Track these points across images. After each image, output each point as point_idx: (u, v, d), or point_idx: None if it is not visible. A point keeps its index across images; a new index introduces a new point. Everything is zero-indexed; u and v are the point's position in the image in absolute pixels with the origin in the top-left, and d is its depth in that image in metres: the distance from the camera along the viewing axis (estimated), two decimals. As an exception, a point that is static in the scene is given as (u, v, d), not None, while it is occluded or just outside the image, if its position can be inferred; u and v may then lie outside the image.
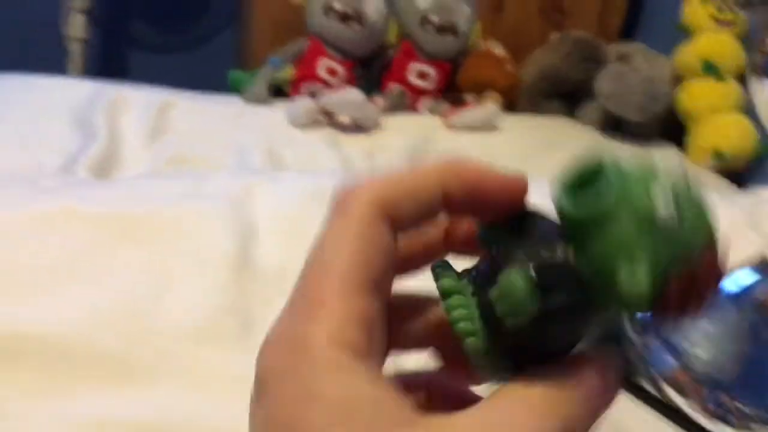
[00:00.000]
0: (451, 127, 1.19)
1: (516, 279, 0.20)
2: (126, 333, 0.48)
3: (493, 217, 0.22)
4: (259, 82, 1.22)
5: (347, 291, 0.20)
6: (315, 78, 1.22)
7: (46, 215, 0.57)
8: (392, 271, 0.22)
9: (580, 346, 0.21)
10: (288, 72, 1.24)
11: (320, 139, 1.11)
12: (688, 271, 0.19)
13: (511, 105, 1.33)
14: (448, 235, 0.23)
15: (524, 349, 0.21)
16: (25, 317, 0.48)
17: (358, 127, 1.14)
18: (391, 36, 1.30)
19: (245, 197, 0.63)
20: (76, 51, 1.66)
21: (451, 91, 1.30)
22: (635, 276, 0.19)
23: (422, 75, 1.27)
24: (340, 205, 0.21)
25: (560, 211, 0.21)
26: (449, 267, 0.22)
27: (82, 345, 0.47)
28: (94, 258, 0.54)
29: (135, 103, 1.08)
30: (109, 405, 0.45)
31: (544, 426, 0.19)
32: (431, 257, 0.23)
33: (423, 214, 0.22)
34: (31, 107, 1.02)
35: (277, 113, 1.17)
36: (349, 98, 1.11)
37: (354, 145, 1.11)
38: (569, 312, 0.20)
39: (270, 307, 0.51)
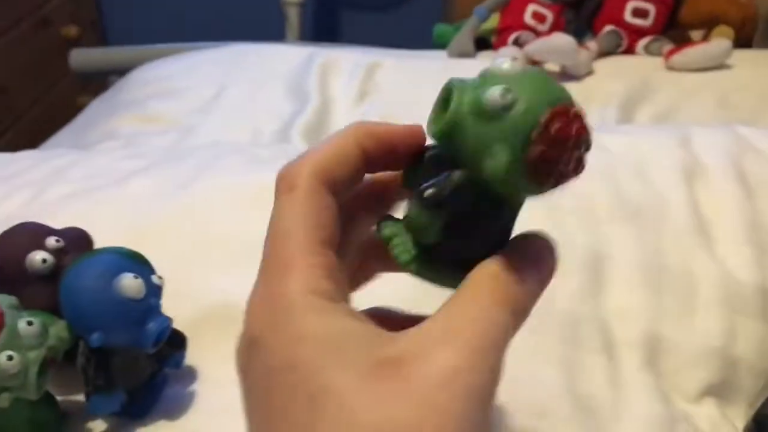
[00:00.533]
0: (673, 68, 1.08)
1: (413, 208, 0.25)
2: None
3: (405, 164, 0.27)
4: (464, 34, 1.19)
5: (309, 250, 0.24)
6: (522, 26, 1.16)
7: (262, 188, 0.60)
8: (338, 229, 0.25)
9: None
10: (493, 21, 1.20)
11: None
12: (541, 136, 0.22)
13: (745, 41, 1.18)
14: (374, 190, 0.28)
15: (456, 255, 0.25)
16: (238, 288, 0.50)
17: (568, 75, 1.07)
18: (605, -27, 1.20)
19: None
20: (293, 15, 1.74)
21: (674, 28, 1.18)
22: (494, 159, 0.22)
23: (640, 12, 1.16)
24: (286, 180, 0.25)
25: (431, 136, 0.25)
26: (389, 217, 0.27)
27: None
28: None
29: (344, 66, 1.10)
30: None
31: (501, 312, 0.23)
32: (368, 212, 0.28)
33: (353, 175, 0.26)
34: (249, 75, 1.08)
35: (482, 66, 1.13)
36: (557, 44, 1.05)
37: (564, 94, 1.04)
38: (472, 216, 0.25)
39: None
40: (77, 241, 0.43)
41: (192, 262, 0.52)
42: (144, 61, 1.23)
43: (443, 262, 0.26)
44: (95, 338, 0.36)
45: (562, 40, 1.04)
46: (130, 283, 0.37)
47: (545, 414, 0.41)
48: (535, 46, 1.05)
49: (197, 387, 0.43)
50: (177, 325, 0.41)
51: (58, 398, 0.40)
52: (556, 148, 0.23)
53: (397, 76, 1.09)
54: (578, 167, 0.23)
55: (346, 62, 1.11)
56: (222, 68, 1.11)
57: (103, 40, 2.06)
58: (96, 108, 1.13)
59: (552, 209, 0.55)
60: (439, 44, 1.25)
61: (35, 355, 0.35)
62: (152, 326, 0.38)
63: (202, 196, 0.59)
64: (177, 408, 0.41)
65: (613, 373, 0.46)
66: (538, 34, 1.14)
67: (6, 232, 0.42)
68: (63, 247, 0.41)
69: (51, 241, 0.41)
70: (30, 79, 1.66)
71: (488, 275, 0.24)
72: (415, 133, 0.27)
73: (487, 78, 0.24)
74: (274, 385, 0.22)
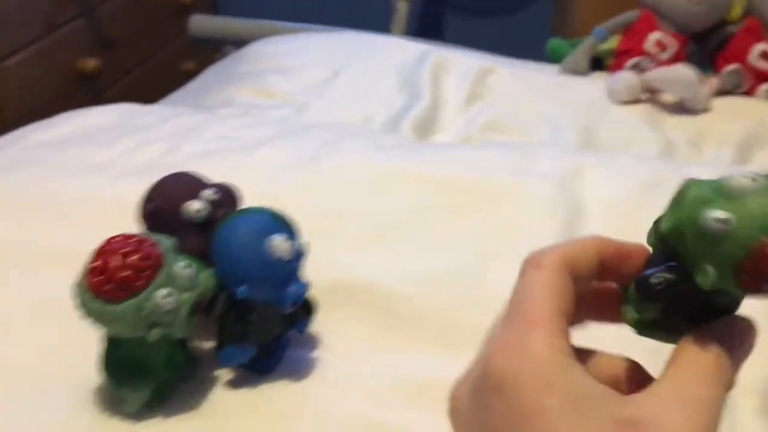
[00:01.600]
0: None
1: (633, 293, 0.29)
2: (450, 299, 0.50)
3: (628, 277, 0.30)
4: (580, 52, 1.17)
5: (554, 315, 0.27)
6: (642, 52, 1.14)
7: (385, 173, 0.61)
8: (573, 308, 0.28)
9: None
10: (613, 43, 1.18)
11: (640, 118, 1.04)
12: (750, 264, 0.25)
13: None
14: (596, 296, 0.31)
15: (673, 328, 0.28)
16: (360, 268, 0.51)
17: (683, 108, 1.05)
18: (735, 12, 1.17)
19: (575, 178, 0.61)
20: (402, 10, 1.75)
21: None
22: (704, 276, 0.25)
23: (767, 56, 1.12)
24: (535, 259, 0.29)
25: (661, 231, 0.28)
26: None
27: (408, 303, 0.49)
28: (425, 220, 0.56)
29: (457, 67, 1.11)
30: (430, 366, 0.46)
31: (720, 389, 0.26)
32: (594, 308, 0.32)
33: (591, 272, 0.30)
34: (363, 64, 1.10)
35: (595, 86, 1.12)
36: (680, 75, 1.03)
37: (677, 127, 1.02)
38: (686, 305, 0.28)
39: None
40: (229, 195, 0.45)
41: (319, 236, 0.53)
42: (258, 35, 1.26)
43: (662, 330, 0.29)
44: (242, 290, 0.38)
45: (685, 71, 1.02)
46: (281, 244, 0.39)
47: None
48: (656, 75, 1.04)
49: (318, 354, 0.45)
50: (309, 283, 0.42)
51: (193, 345, 0.42)
52: (763, 276, 0.25)
53: (510, 84, 1.09)
54: None
55: (459, 64, 1.12)
56: (337, 53, 1.13)
57: (214, 8, 2.11)
58: (212, 75, 1.17)
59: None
60: (553, 58, 1.24)
61: (188, 297, 0.37)
62: (293, 288, 0.39)
63: (329, 173, 0.60)
64: (297, 371, 0.43)
65: (727, 416, 0.45)
66: (658, 62, 1.12)
67: (166, 179, 0.44)
68: (218, 199, 0.43)
69: (207, 193, 0.43)
70: (142, 38, 1.71)
71: (710, 354, 0.27)
72: (640, 252, 0.30)
73: (721, 189, 0.26)
74: (520, 427, 0.25)
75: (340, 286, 0.49)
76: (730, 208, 0.25)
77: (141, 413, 0.38)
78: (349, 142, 0.68)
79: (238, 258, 0.38)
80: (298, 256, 0.40)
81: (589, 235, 0.30)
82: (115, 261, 0.35)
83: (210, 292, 0.39)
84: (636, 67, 1.11)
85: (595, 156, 0.67)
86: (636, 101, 1.07)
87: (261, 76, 1.06)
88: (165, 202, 0.43)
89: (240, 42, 1.27)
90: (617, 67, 1.16)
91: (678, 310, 0.28)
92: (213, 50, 1.65)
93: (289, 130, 0.70)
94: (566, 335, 0.27)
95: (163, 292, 0.35)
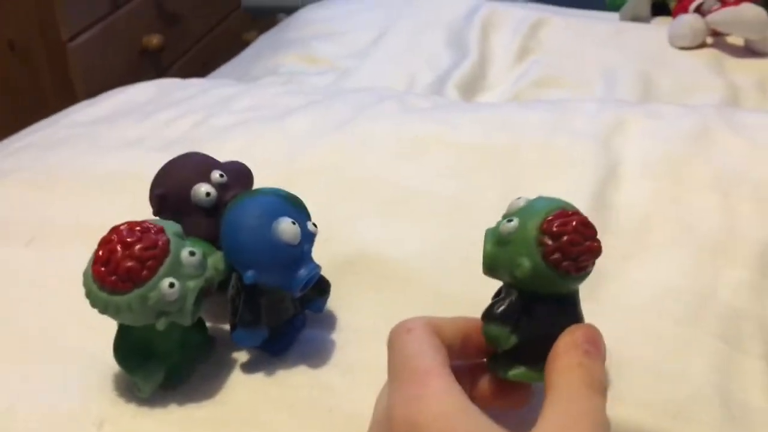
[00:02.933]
0: None
1: (487, 327, 0.34)
2: (475, 274, 0.47)
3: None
4: (641, -2, 1.11)
5: (441, 364, 0.30)
6: (707, -8, 1.07)
7: (417, 139, 0.59)
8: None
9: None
10: (675, -14, 1.11)
11: (704, 63, 0.98)
12: (546, 237, 0.32)
13: None
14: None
15: (533, 351, 0.33)
16: (381, 239, 0.50)
17: (750, 51, 0.98)
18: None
19: (615, 134, 0.58)
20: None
21: None
22: (520, 268, 0.32)
23: None
24: (403, 326, 0.32)
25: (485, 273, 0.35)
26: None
27: (430, 278, 0.46)
28: (453, 187, 0.54)
29: (508, 20, 1.07)
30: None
31: (597, 397, 0.29)
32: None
33: (455, 342, 0.33)
34: (411, 21, 1.07)
35: (656, 32, 1.06)
36: (746, 15, 0.96)
37: (744, 72, 0.95)
38: (536, 317, 0.33)
39: (628, 264, 0.47)
40: (239, 176, 0.44)
41: (340, 206, 0.52)
42: (310, 1, 1.25)
43: (530, 364, 0.33)
44: (249, 275, 0.37)
45: (753, 11, 0.95)
46: (287, 228, 0.37)
47: (682, 415, 0.38)
48: (721, 16, 0.97)
49: (334, 335, 0.43)
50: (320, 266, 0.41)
51: (207, 324, 0.42)
52: (562, 242, 0.31)
53: (564, 35, 1.04)
54: (594, 252, 0.32)
55: (510, 17, 1.08)
56: (384, 13, 1.11)
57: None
58: (262, 44, 1.17)
59: (726, 195, 0.51)
60: (612, 6, 1.18)
61: (194, 285, 0.36)
62: (303, 272, 0.38)
63: (356, 139, 0.59)
64: (312, 354, 0.42)
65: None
66: (723, 3, 1.04)
67: (174, 162, 0.44)
68: (226, 182, 0.42)
69: (215, 175, 0.42)
70: (203, 11, 1.73)
71: (574, 365, 0.30)
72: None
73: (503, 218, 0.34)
74: None
75: (360, 259, 0.47)
76: (515, 217, 0.33)
77: (155, 397, 0.38)
78: (381, 106, 0.66)
79: (244, 242, 0.37)
80: (308, 238, 0.39)
81: (454, 317, 0.34)
82: (118, 251, 0.34)
83: (221, 276, 0.38)
84: (700, 9, 1.04)
85: (639, 108, 0.63)
86: (700, 46, 1.00)
87: (306, 43, 1.05)
88: (173, 187, 0.42)
89: (292, 9, 1.27)
90: (681, 10, 1.09)
91: (530, 328, 0.33)
92: (270, 19, 1.66)
93: (322, 97, 0.70)
94: (455, 380, 0.29)
95: (167, 281, 0.35)
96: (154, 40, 1.50)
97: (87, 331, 0.40)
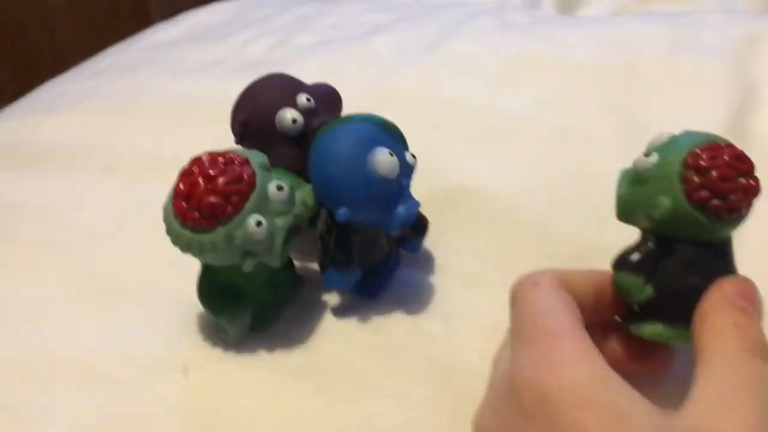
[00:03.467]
0: None
1: (619, 275, 0.29)
2: (582, 213, 0.42)
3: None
4: None
5: (574, 323, 0.26)
6: None
7: (513, 59, 0.53)
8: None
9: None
10: None
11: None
12: (691, 173, 0.27)
13: None
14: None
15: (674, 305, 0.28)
16: (481, 170, 0.45)
17: None
18: None
19: (749, 50, 0.50)
20: None
21: None
22: (659, 209, 0.28)
23: None
24: (529, 279, 0.28)
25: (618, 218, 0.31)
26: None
27: (530, 215, 0.42)
28: (559, 115, 0.48)
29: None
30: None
31: (757, 363, 0.24)
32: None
33: (586, 299, 0.28)
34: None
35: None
36: None
37: None
38: (676, 268, 0.28)
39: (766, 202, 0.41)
40: (328, 100, 0.39)
41: (435, 134, 0.47)
42: None
43: (667, 320, 0.29)
44: (341, 213, 0.33)
45: None
46: (385, 159, 0.33)
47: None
48: None
49: (431, 278, 0.39)
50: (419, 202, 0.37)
51: (295, 263, 0.38)
52: (710, 177, 0.27)
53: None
54: (749, 191, 0.27)
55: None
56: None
57: None
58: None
59: None
60: None
61: (282, 222, 0.32)
62: (401, 210, 0.34)
63: (451, 60, 0.54)
64: (407, 298, 0.38)
65: None
66: None
67: (257, 84, 0.39)
68: (314, 107, 0.38)
69: (302, 99, 0.38)
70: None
71: (728, 325, 0.26)
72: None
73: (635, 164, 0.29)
74: None
75: (459, 193, 0.43)
76: (655, 152, 0.28)
77: (242, 342, 0.35)
78: (475, 23, 0.60)
79: (336, 176, 0.33)
80: (407, 171, 0.34)
81: (586, 269, 0.30)
82: (201, 185, 0.31)
83: (310, 212, 0.35)
84: None
85: (773, 20, 0.55)
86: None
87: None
88: (256, 112, 0.38)
89: None
90: None
91: (669, 279, 0.28)
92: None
93: (409, 13, 0.64)
94: (592, 343, 0.25)
95: (255, 219, 0.31)
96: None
97: (169, 269, 0.37)
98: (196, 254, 0.32)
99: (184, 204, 0.31)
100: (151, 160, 0.48)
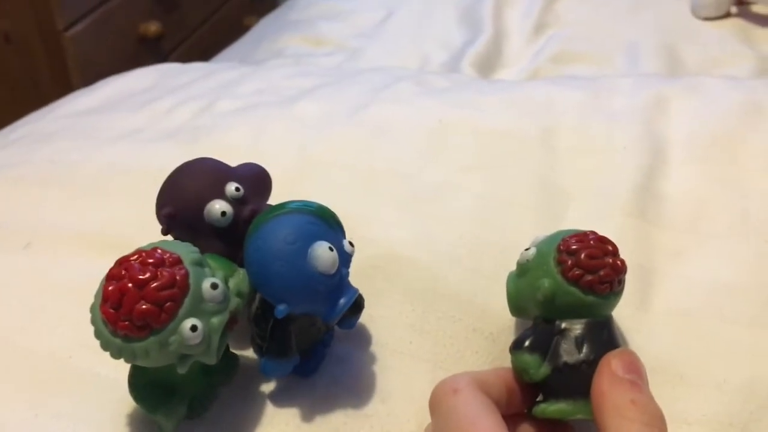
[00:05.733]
0: None
1: (515, 359, 0.32)
2: (480, 274, 0.42)
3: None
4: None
5: (497, 426, 0.27)
6: (732, -41, 1.01)
7: (434, 124, 0.54)
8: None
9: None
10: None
11: (730, 34, 0.93)
12: (565, 254, 0.32)
13: None
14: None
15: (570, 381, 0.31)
16: (406, 236, 0.45)
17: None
18: None
19: (657, 114, 0.53)
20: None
21: None
22: (541, 290, 0.32)
23: None
24: (448, 385, 0.29)
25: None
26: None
27: (454, 284, 0.42)
28: (478, 181, 0.49)
29: (522, -5, 1.02)
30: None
31: None
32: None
33: (501, 399, 0.30)
34: (421, 1, 1.03)
35: (678, 4, 1.01)
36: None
37: (773, 42, 0.91)
38: (567, 344, 0.31)
39: (681, 261, 0.41)
40: (257, 184, 0.38)
41: (359, 203, 0.47)
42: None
43: (566, 395, 0.30)
44: (281, 310, 0.32)
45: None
46: (324, 255, 0.32)
47: (751, 430, 0.34)
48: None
49: (367, 351, 0.39)
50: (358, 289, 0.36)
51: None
52: (580, 257, 0.31)
53: (582, 7, 1.00)
54: (616, 269, 0.31)
55: (525, -9, 1.03)
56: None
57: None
58: (265, 26, 1.12)
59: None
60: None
61: (218, 321, 0.31)
62: (343, 302, 0.33)
63: (372, 126, 0.55)
64: (346, 373, 0.38)
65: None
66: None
67: (181, 173, 0.38)
68: (243, 195, 0.37)
69: (231, 189, 0.37)
70: (202, -4, 1.69)
71: (626, 403, 0.27)
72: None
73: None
74: None
75: (386, 264, 0.42)
76: (533, 246, 0.34)
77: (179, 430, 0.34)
78: (396, 88, 0.61)
79: (274, 274, 0.32)
80: (346, 260, 0.34)
81: (495, 368, 0.33)
82: (131, 292, 0.29)
83: (246, 299, 0.33)
84: (725, -23, 0.99)
85: (679, 82, 0.58)
86: (725, 16, 0.95)
87: (311, 23, 1.00)
88: (183, 205, 0.36)
89: (294, -11, 1.22)
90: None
91: (562, 355, 0.30)
92: (270, 2, 1.60)
93: (333, 78, 0.65)
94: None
95: (190, 323, 0.30)
96: (152, 27, 1.46)
97: (98, 354, 0.35)
98: (128, 361, 0.30)
99: (113, 311, 0.29)
100: (73, 235, 0.46)
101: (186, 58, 1.56)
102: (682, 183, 0.47)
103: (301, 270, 0.32)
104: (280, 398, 0.36)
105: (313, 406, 0.36)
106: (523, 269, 0.33)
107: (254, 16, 1.78)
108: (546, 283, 0.31)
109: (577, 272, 0.31)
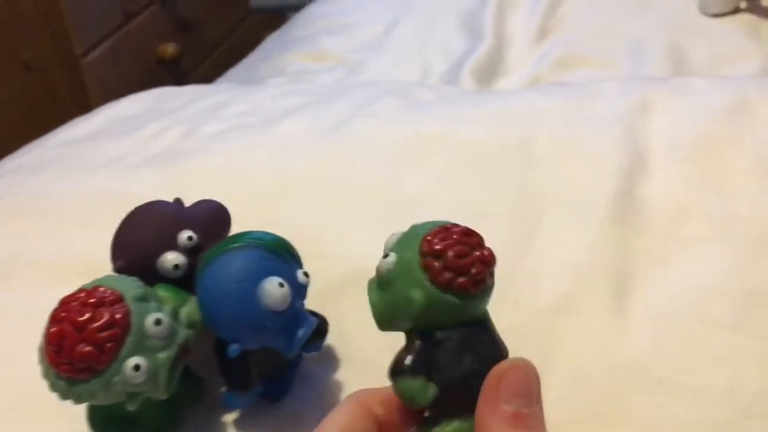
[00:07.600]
0: None
1: (399, 387, 0.28)
2: None
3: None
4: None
5: None
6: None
7: (419, 138, 0.54)
8: None
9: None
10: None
11: (738, 30, 0.91)
12: (430, 257, 0.27)
13: None
14: None
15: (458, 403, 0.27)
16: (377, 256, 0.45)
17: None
18: None
19: (640, 117, 0.51)
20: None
21: None
22: (414, 301, 0.27)
23: None
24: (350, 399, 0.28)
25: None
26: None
27: None
28: (458, 193, 0.48)
29: (524, 0, 1.01)
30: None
31: None
32: None
33: (393, 413, 0.28)
34: (423, 8, 1.02)
35: (684, 1, 0.99)
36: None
37: (785, 36, 0.88)
38: (450, 360, 0.28)
39: (662, 266, 0.40)
40: (213, 227, 0.38)
41: (335, 218, 0.47)
42: (315, -2, 1.21)
43: (457, 411, 0.27)
44: (233, 349, 0.32)
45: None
46: (275, 292, 0.31)
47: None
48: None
49: (336, 371, 0.39)
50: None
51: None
52: (447, 258, 0.27)
53: (585, 9, 0.98)
54: (485, 261, 0.27)
55: (526, -4, 1.02)
56: (393, 4, 1.06)
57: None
58: (270, 45, 1.13)
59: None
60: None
61: (165, 356, 0.30)
62: (300, 334, 0.32)
63: (350, 143, 0.54)
64: (315, 395, 0.37)
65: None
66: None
67: (132, 223, 0.37)
68: (197, 243, 0.36)
69: (183, 238, 0.36)
70: (217, 15, 1.71)
71: (508, 418, 0.25)
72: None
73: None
74: None
75: (359, 279, 0.42)
76: (391, 251, 0.28)
77: None
78: (379, 103, 0.61)
79: (224, 313, 0.32)
80: (300, 292, 0.33)
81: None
82: (71, 334, 0.29)
83: (198, 328, 0.33)
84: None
85: (666, 84, 0.56)
86: (733, 11, 0.93)
87: (314, 39, 1.01)
88: (134, 258, 0.36)
89: (299, 7, 1.23)
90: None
91: (447, 370, 0.27)
92: (282, 18, 1.61)
93: (318, 97, 0.65)
94: None
95: (133, 362, 0.29)
96: (170, 48, 1.48)
97: None
98: (76, 402, 0.30)
99: (55, 354, 0.29)
100: (53, 265, 0.47)
101: (205, 78, 1.58)
102: (664, 186, 0.46)
103: (251, 309, 0.31)
104: (248, 421, 0.36)
105: (282, 428, 0.35)
106: (386, 280, 0.28)
107: (272, 32, 1.80)
108: (418, 294, 0.27)
109: (447, 276, 0.27)
